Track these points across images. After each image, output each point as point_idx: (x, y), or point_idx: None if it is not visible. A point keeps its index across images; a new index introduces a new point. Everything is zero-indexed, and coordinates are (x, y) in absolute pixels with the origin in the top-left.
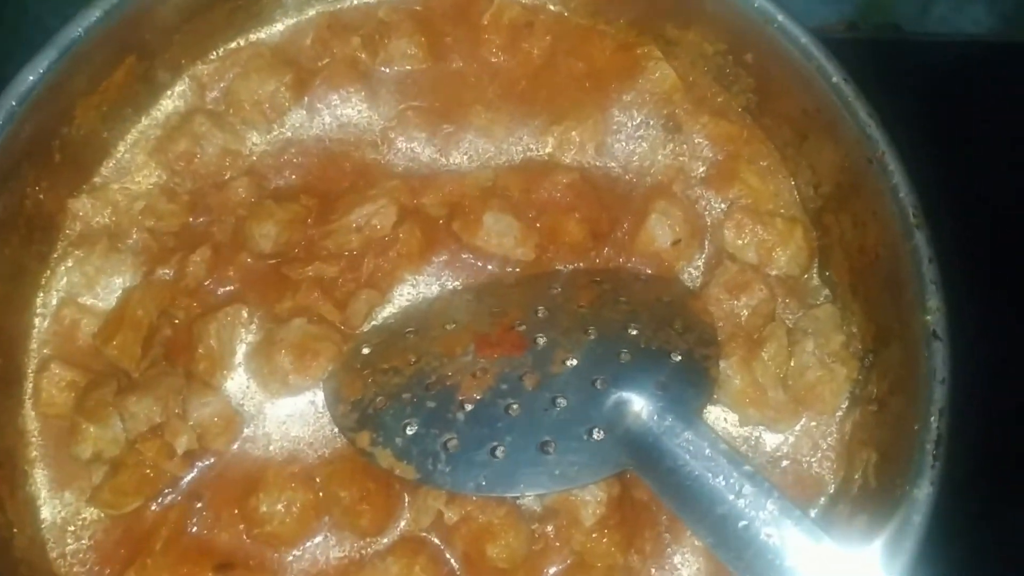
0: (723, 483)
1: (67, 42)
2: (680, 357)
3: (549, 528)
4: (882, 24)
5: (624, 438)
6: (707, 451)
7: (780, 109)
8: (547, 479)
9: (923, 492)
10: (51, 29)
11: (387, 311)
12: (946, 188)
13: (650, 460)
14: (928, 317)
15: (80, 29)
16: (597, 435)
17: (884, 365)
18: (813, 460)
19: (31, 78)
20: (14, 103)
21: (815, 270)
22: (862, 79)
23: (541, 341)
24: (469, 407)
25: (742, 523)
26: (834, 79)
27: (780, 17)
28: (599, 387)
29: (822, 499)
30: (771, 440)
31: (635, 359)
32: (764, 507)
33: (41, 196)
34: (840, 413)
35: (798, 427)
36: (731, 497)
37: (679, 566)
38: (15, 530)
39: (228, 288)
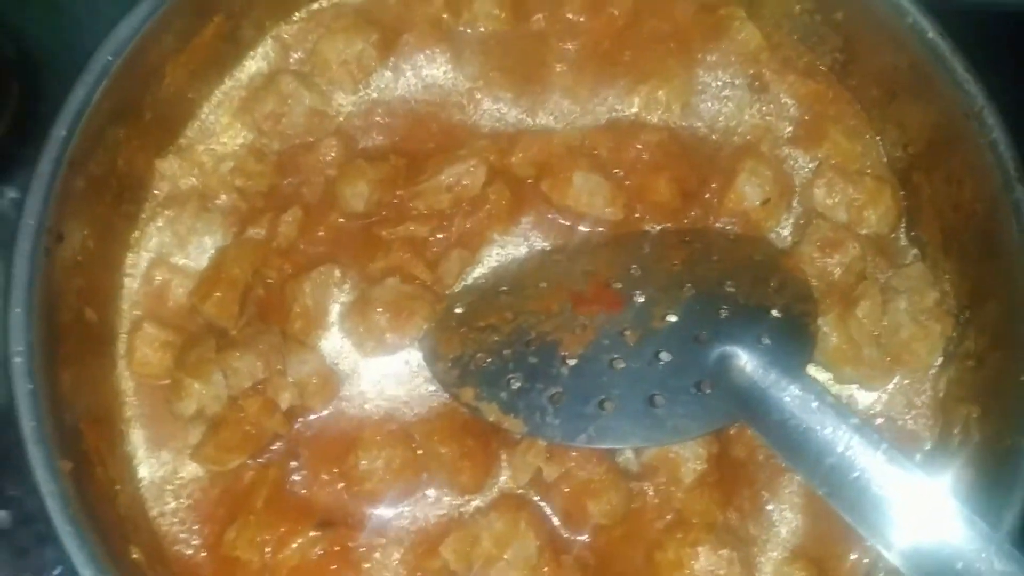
0: (831, 435)
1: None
2: (779, 313)
3: (647, 486)
4: None
5: (732, 391)
6: (815, 404)
7: (868, 67)
8: (659, 432)
9: None
10: None
11: (478, 271)
12: None
13: (759, 413)
14: None
15: None
16: (705, 388)
17: (981, 321)
18: (908, 417)
19: (126, 32)
20: (110, 57)
21: (902, 230)
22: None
23: (638, 298)
24: (572, 362)
25: (853, 474)
26: (929, 35)
27: None
28: (701, 342)
29: (918, 456)
30: (864, 398)
31: (735, 315)
32: (874, 458)
33: (131, 155)
34: (933, 371)
35: (891, 385)
36: (840, 449)
37: (776, 523)
38: (117, 487)
39: (319, 249)
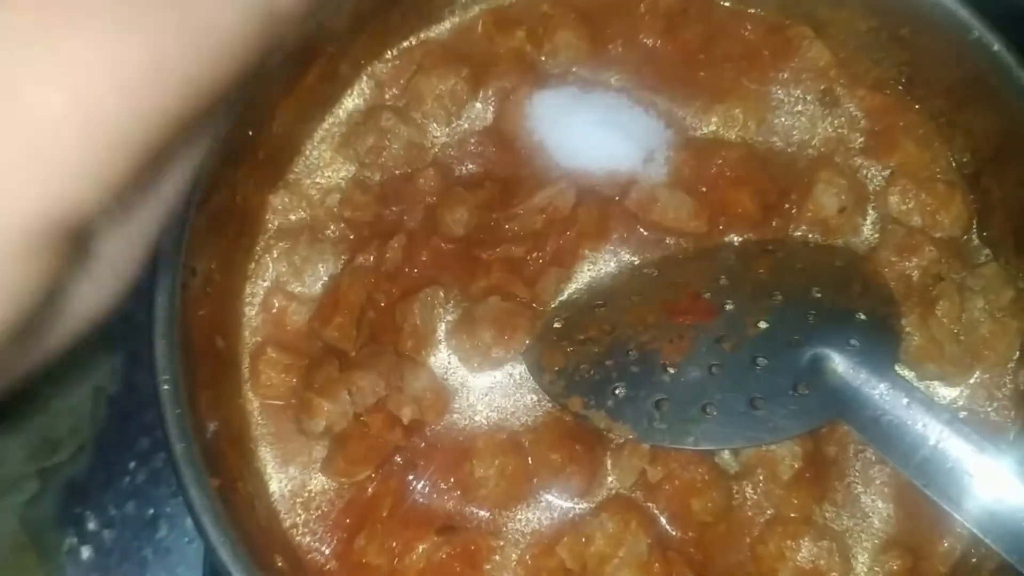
0: (923, 429)
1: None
2: (865, 316)
3: (746, 484)
4: None
5: (826, 392)
6: (905, 400)
7: (935, 80)
8: (762, 432)
9: None
10: None
11: (572, 287)
12: None
13: (853, 411)
14: None
15: None
16: (803, 390)
17: None
18: (991, 409)
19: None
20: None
21: (974, 231)
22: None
23: (729, 307)
24: (673, 370)
25: (947, 465)
26: (995, 47)
27: None
28: (794, 346)
29: (1004, 445)
30: (946, 393)
31: (823, 319)
32: (965, 449)
33: (247, 192)
34: (1012, 364)
35: (972, 379)
36: (932, 442)
37: (870, 513)
38: (255, 501)
39: (424, 272)
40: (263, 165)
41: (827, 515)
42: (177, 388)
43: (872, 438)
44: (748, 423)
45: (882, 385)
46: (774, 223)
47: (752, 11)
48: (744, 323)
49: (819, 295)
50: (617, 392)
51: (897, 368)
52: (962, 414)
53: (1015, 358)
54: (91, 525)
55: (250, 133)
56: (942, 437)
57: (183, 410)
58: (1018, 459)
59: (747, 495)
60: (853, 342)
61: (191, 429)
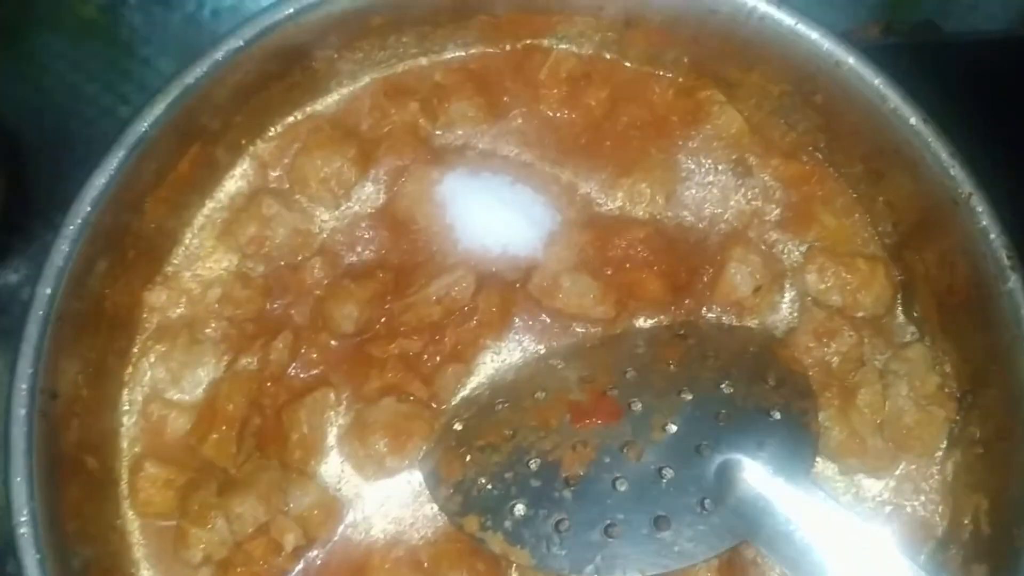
0: (841, 545)
1: (134, 140)
2: (779, 414)
3: None
4: (919, 23)
5: (736, 506)
6: (820, 513)
7: (852, 148)
8: (667, 557)
9: None
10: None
11: (474, 382)
12: None
13: (764, 526)
14: None
15: (144, 125)
16: (709, 506)
17: (985, 407)
18: (917, 503)
19: (103, 180)
20: (89, 208)
21: (899, 307)
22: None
23: (636, 407)
24: (575, 484)
25: None
26: (912, 121)
27: (851, 60)
28: (703, 453)
29: (931, 543)
30: (872, 486)
31: (734, 420)
32: (890, 570)
33: (118, 293)
34: (939, 454)
35: (898, 471)
36: (851, 560)
37: None
38: None
39: (313, 372)
40: (135, 262)
41: None
42: (38, 530)
43: (785, 559)
44: (653, 547)
45: (797, 496)
46: (686, 303)
47: (659, 73)
48: (651, 426)
49: (730, 391)
50: (516, 511)
51: (817, 465)
52: (887, 509)
53: (942, 447)
54: None
55: (116, 231)
56: (862, 556)
57: (43, 555)
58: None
59: None
60: (766, 446)
61: (53, 573)
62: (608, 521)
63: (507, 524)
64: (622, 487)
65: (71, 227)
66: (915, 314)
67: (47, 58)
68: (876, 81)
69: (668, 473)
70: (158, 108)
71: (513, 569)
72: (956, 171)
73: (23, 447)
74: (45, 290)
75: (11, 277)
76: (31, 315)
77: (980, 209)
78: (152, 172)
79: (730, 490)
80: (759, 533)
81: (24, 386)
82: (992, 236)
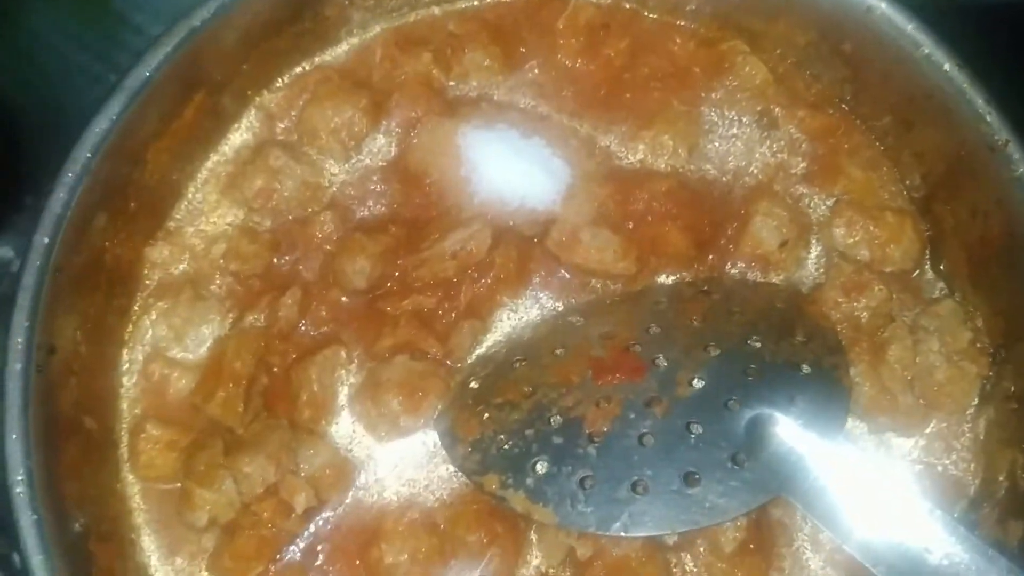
0: (874, 500)
1: (137, 85)
2: (810, 368)
3: (686, 557)
4: None
5: (768, 462)
6: (854, 467)
7: (880, 99)
8: (698, 514)
9: None
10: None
11: (490, 340)
12: None
13: (797, 481)
14: None
15: (148, 70)
16: (742, 462)
17: (1019, 361)
18: (948, 462)
19: (103, 127)
20: (88, 154)
21: (927, 263)
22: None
23: (660, 362)
24: (600, 440)
25: (898, 541)
26: (946, 66)
27: (884, 4)
28: (732, 408)
29: (963, 502)
30: (902, 444)
31: (763, 375)
32: (921, 524)
33: (118, 248)
34: (971, 411)
35: (928, 429)
36: (885, 514)
37: None
38: None
39: (323, 329)
40: (137, 215)
41: None
42: (34, 489)
43: (819, 513)
44: (682, 503)
45: (830, 450)
46: (709, 259)
47: (681, 23)
48: (676, 381)
49: (758, 344)
50: (538, 468)
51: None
52: (917, 468)
53: (974, 405)
54: None
55: (117, 181)
56: (894, 509)
57: (39, 516)
58: (975, 527)
59: (687, 569)
60: (797, 401)
61: (52, 536)
62: (635, 477)
63: (529, 482)
64: (649, 443)
65: (70, 175)
66: (942, 269)
67: (38, 27)
68: (909, 27)
69: (696, 429)
70: (162, 52)
71: (532, 531)
72: (992, 118)
73: (19, 403)
74: (43, 239)
75: (2, 250)
76: (28, 265)
77: (1017, 156)
78: (155, 120)
79: (762, 445)
80: (794, 489)
81: (20, 339)
82: None
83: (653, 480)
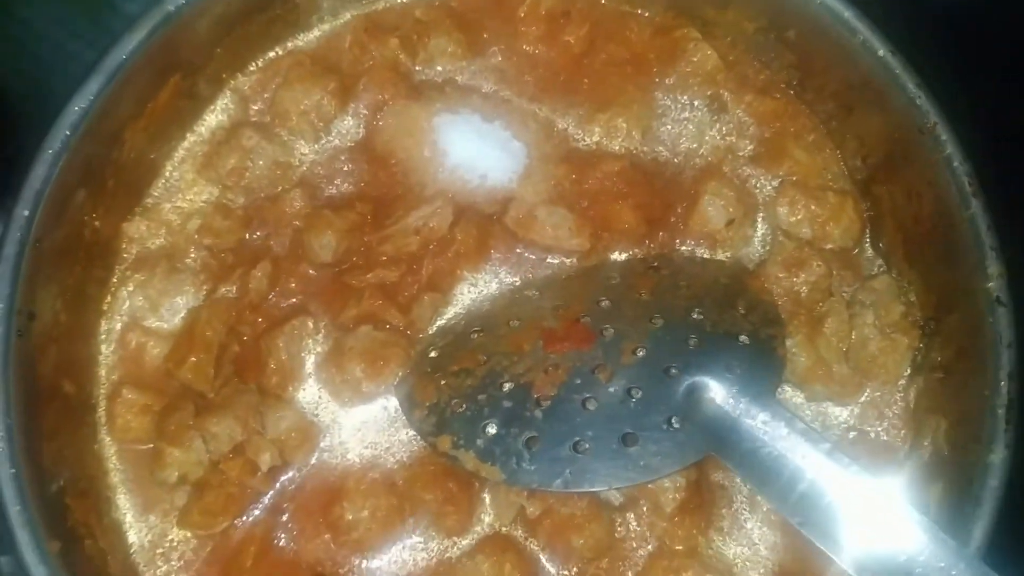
0: (802, 462)
1: (114, 67)
2: (747, 339)
3: (630, 516)
4: None
5: (703, 424)
6: (784, 431)
7: (823, 83)
8: (634, 471)
9: (998, 456)
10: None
11: (450, 312)
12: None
13: (730, 444)
14: (990, 284)
15: (125, 53)
16: (676, 424)
17: (947, 332)
18: (880, 429)
19: (81, 106)
20: (67, 132)
21: (867, 241)
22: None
23: (608, 332)
24: (546, 404)
25: (824, 500)
26: (880, 52)
27: None
28: (672, 375)
29: (893, 466)
30: (837, 413)
31: (703, 344)
32: (844, 483)
33: (97, 223)
34: (903, 381)
35: (863, 398)
36: (811, 475)
37: (757, 541)
38: (108, 557)
39: (291, 300)
40: (115, 192)
41: (713, 545)
42: (13, 444)
43: (748, 474)
44: (620, 461)
45: (762, 415)
46: (660, 237)
47: (638, 12)
48: (622, 350)
49: (701, 317)
50: (488, 430)
51: (782, 392)
52: (851, 435)
53: (905, 375)
54: None
55: (96, 159)
56: (821, 470)
57: (18, 470)
58: (899, 489)
59: (630, 528)
60: (734, 368)
61: (31, 489)
62: (577, 438)
63: (479, 442)
64: (592, 406)
65: (50, 151)
66: (881, 247)
67: (29, 14)
68: (846, 14)
69: (637, 394)
70: (138, 35)
71: (486, 491)
72: (922, 101)
73: (0, 365)
74: (23, 212)
75: None
76: (9, 236)
77: (944, 137)
78: (132, 100)
79: (697, 409)
80: (725, 450)
81: (1, 305)
82: (955, 164)
83: (594, 440)
